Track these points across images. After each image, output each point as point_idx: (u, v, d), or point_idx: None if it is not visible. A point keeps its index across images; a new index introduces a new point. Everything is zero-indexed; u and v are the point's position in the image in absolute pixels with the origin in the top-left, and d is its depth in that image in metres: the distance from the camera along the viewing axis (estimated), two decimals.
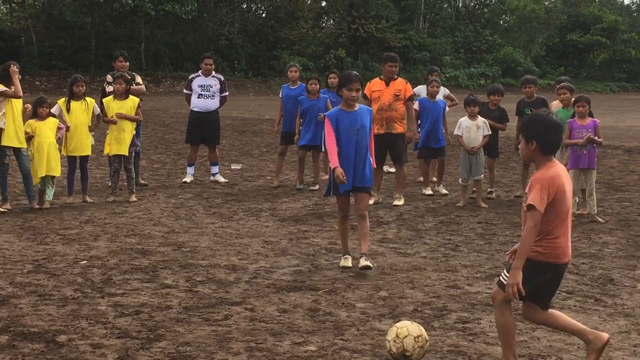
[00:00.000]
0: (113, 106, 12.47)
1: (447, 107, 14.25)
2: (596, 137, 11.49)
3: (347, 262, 8.79)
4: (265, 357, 5.99)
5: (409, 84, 12.98)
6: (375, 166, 12.70)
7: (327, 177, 15.18)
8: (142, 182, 14.17)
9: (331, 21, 61.67)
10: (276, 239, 10.03)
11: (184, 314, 6.98)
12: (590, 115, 11.74)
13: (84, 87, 12.46)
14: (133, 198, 12.45)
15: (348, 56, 54.92)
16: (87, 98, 12.43)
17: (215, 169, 14.85)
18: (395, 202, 12.70)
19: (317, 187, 14.04)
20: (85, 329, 6.56)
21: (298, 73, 14.88)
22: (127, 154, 12.44)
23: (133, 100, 12.66)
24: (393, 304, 7.40)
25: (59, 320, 6.76)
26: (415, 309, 7.24)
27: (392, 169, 15.78)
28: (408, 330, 5.88)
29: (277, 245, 9.71)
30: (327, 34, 56.63)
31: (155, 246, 9.54)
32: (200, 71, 14.82)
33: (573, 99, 11.94)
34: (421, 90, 15.18)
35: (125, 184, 12.64)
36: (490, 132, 12.82)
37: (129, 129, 12.51)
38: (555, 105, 12.99)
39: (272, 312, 7.10)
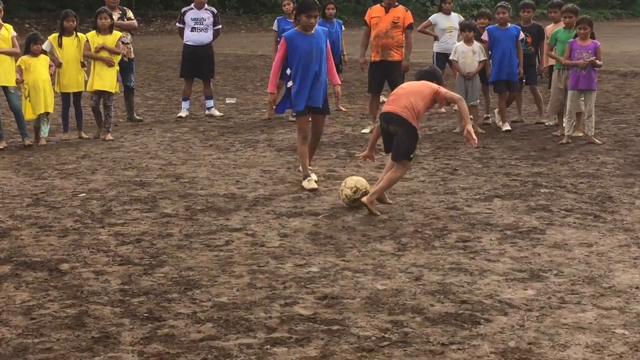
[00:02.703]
0: (96, 41, 12.29)
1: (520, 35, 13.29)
2: (597, 60, 11.42)
3: (312, 183, 8.97)
4: (268, 278, 6.01)
5: (409, 11, 12.85)
6: (370, 93, 12.91)
7: None
8: (137, 117, 14.10)
9: None
10: (274, 169, 10.01)
11: (186, 241, 7.00)
12: (592, 37, 11.64)
13: (75, 22, 12.30)
14: (109, 136, 12.13)
15: None
16: (78, 34, 12.29)
17: (210, 103, 14.77)
18: None
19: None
20: (88, 257, 6.57)
21: (292, 5, 14.72)
22: (108, 89, 12.24)
23: (115, 35, 12.45)
24: (393, 226, 7.41)
25: (60, 249, 6.77)
26: (415, 230, 7.27)
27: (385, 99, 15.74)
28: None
29: (275, 174, 9.70)
30: None
31: (153, 178, 9.52)
32: (192, 4, 14.65)
33: (577, 19, 11.83)
34: (437, 18, 15.02)
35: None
36: (486, 58, 12.74)
37: (109, 65, 12.26)
38: (551, 28, 12.89)
39: (272, 236, 7.12)
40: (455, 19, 15.01)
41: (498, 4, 13.28)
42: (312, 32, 9.01)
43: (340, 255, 6.56)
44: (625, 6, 63.21)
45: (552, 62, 12.41)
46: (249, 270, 6.20)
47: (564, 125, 11.79)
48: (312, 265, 6.32)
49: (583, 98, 11.54)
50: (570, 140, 11.47)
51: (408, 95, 8.09)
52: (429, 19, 15.32)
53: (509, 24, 12.84)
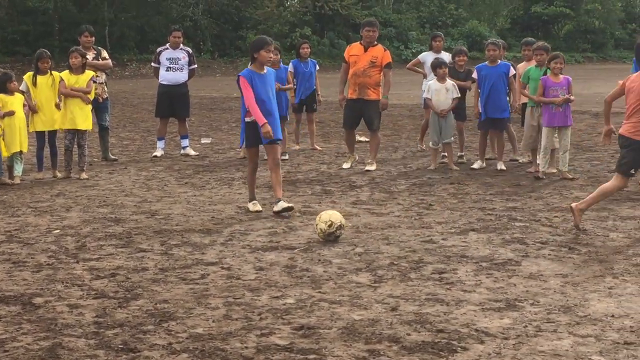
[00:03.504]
0: (70, 80, 12.28)
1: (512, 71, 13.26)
2: (570, 96, 11.54)
3: (257, 206, 9.73)
4: (244, 310, 5.99)
5: (387, 51, 12.93)
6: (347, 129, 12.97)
7: (297, 147, 15.26)
8: (112, 157, 14.07)
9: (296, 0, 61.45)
10: (291, 211, 9.95)
11: (161, 275, 6.96)
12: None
13: (50, 63, 12.30)
14: (84, 175, 12.06)
15: (314, 34, 54.75)
16: (53, 72, 12.27)
17: (185, 142, 14.77)
18: (367, 167, 12.71)
19: (286, 156, 14.00)
20: (62, 291, 6.52)
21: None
22: (82, 128, 12.21)
23: (88, 75, 12.44)
24: (369, 259, 7.42)
25: (34, 284, 6.71)
26: (391, 263, 7.27)
27: (362, 138, 15.84)
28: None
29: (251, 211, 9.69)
30: (292, 13, 56.36)
31: (128, 215, 9.48)
32: (168, 44, 14.71)
33: (550, 55, 11.94)
34: (427, 57, 15.08)
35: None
36: (460, 95, 12.84)
37: (83, 104, 12.25)
38: (523, 66, 13.03)
39: (248, 270, 7.10)
40: (445, 57, 15.09)
41: (488, 41, 13.34)
42: (265, 71, 9.64)
43: (316, 287, 6.55)
44: (596, 50, 64.02)
45: (525, 99, 12.52)
46: (224, 302, 6.17)
47: (537, 162, 11.87)
48: (288, 297, 6.30)
49: (557, 135, 11.63)
50: (544, 177, 11.54)
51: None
52: (419, 57, 15.39)
53: (499, 61, 12.90)
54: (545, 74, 11.78)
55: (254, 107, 9.45)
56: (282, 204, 9.45)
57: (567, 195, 10.40)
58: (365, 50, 12.65)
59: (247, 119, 9.63)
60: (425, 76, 14.89)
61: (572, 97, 11.57)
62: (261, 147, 9.79)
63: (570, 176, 11.49)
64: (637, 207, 9.57)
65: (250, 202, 9.82)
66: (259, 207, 9.69)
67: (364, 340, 5.34)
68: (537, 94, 11.69)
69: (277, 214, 9.36)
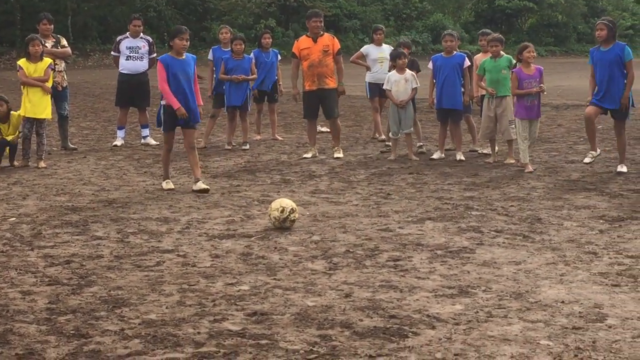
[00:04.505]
0: (29, 68, 12.18)
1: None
2: (542, 86, 11.61)
3: (169, 184, 10.32)
4: (198, 297, 5.99)
5: (335, 38, 13.04)
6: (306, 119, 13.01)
7: (259, 137, 15.26)
8: (72, 146, 13.98)
9: None
10: (208, 194, 9.99)
11: (116, 262, 6.95)
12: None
13: (41, 46, 12.27)
14: (42, 164, 11.97)
15: (279, 26, 54.66)
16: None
17: (145, 132, 14.71)
18: (336, 155, 12.83)
19: (247, 146, 14.00)
20: (15, 278, 6.49)
21: (230, 35, 14.77)
22: (41, 117, 12.14)
23: (45, 62, 12.33)
24: (325, 247, 7.44)
25: None
26: (347, 250, 7.30)
27: (324, 129, 15.86)
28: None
29: (210, 199, 9.68)
30: (257, 4, 56.19)
31: (85, 203, 9.44)
32: (128, 33, 14.63)
33: (519, 46, 11.98)
34: (369, 49, 15.17)
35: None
36: (419, 85, 12.90)
37: (42, 92, 12.18)
38: (480, 57, 13.11)
39: (204, 257, 7.10)
40: (387, 50, 15.18)
41: (445, 32, 13.38)
42: (184, 56, 10.22)
43: (271, 274, 6.57)
44: (558, 43, 64.48)
45: (482, 90, 12.59)
46: (179, 289, 6.17)
47: (518, 154, 11.79)
48: (243, 284, 6.31)
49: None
50: (532, 169, 11.53)
51: None
52: (361, 50, 15.46)
53: (455, 52, 12.94)
54: (515, 66, 11.82)
55: (167, 91, 10.09)
56: (200, 185, 10.09)
57: (524, 185, 10.49)
58: (315, 41, 12.73)
59: (163, 103, 10.25)
60: (368, 68, 14.98)
61: (544, 88, 11.64)
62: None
63: (531, 168, 11.53)
64: (592, 197, 9.67)
65: (164, 180, 10.42)
66: (171, 185, 10.30)
67: (316, 326, 5.36)
68: (512, 87, 11.74)
69: (195, 192, 9.97)
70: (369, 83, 14.92)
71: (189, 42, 10.18)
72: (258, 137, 15.27)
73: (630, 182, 10.66)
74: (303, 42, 12.96)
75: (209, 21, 53.87)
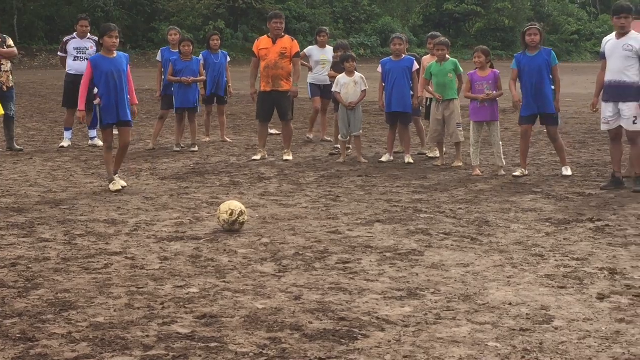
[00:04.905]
0: None
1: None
2: (494, 92, 11.68)
3: (117, 185, 10.21)
4: (147, 299, 5.95)
5: (295, 40, 13.06)
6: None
7: (207, 139, 15.20)
8: (17, 147, 13.82)
9: None
10: (157, 196, 9.94)
11: (63, 265, 6.87)
12: (492, 66, 11.91)
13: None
14: None
15: (227, 27, 54.56)
16: None
17: (93, 133, 14.57)
18: (285, 157, 12.84)
19: (196, 148, 13.95)
20: None
21: (179, 36, 14.71)
22: None
23: None
24: (275, 249, 7.44)
25: None
26: (296, 253, 7.30)
27: (273, 131, 15.88)
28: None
29: (158, 201, 9.63)
30: (205, 5, 56.04)
31: (32, 205, 9.34)
32: (75, 33, 14.50)
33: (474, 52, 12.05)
34: (312, 51, 15.28)
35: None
36: (368, 87, 12.95)
37: None
38: (428, 59, 13.19)
39: (153, 260, 7.05)
40: (330, 52, 15.34)
41: (394, 36, 13.46)
42: (115, 55, 10.25)
43: (220, 277, 6.54)
44: (505, 47, 65.15)
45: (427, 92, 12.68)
46: (127, 292, 6.12)
47: (472, 156, 11.87)
48: (192, 287, 6.28)
49: (487, 129, 11.80)
50: (480, 173, 11.63)
51: None
52: (304, 51, 15.51)
53: (404, 55, 13.01)
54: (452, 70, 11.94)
55: (81, 93, 10.32)
56: (120, 181, 10.36)
57: (472, 188, 10.59)
58: (274, 42, 12.75)
59: (96, 102, 10.31)
60: (310, 69, 15.08)
61: (493, 93, 11.68)
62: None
63: (503, 172, 11.60)
64: (538, 200, 9.78)
65: (110, 182, 10.31)
66: (119, 186, 10.19)
67: (265, 329, 5.35)
68: (465, 89, 11.85)
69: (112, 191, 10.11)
70: (311, 84, 15.05)
71: (118, 40, 10.23)
72: (207, 139, 15.22)
73: (575, 185, 10.81)
74: (262, 42, 12.98)
75: (158, 22, 53.63)
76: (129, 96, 10.38)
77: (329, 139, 15.04)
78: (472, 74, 11.82)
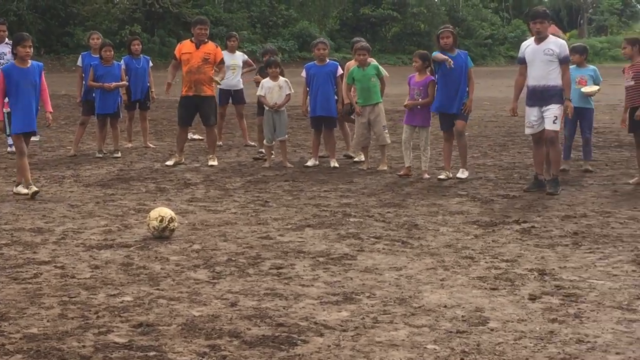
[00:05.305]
0: None
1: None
2: (419, 99, 11.76)
3: (32, 189, 10.05)
4: (80, 309, 5.85)
5: (219, 47, 13.00)
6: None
7: (130, 145, 15.03)
8: None
9: None
10: (82, 203, 9.79)
11: None
12: (432, 71, 11.97)
13: None
14: None
15: (144, 32, 54.03)
16: None
17: (11, 140, 14.27)
18: (210, 162, 12.78)
19: (119, 154, 13.78)
20: None
21: (100, 41, 14.51)
22: None
23: None
24: (207, 256, 7.39)
25: None
26: (229, 259, 7.26)
27: (196, 136, 15.79)
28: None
29: (84, 208, 9.48)
30: (121, 10, 55.45)
31: None
32: None
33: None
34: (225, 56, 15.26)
35: None
36: (293, 92, 12.96)
37: None
38: (352, 64, 13.25)
39: (83, 268, 6.94)
40: (239, 57, 15.40)
41: (318, 40, 13.47)
42: (29, 65, 10.17)
43: (154, 285, 6.47)
44: None
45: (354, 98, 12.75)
46: (59, 302, 6.01)
47: (405, 157, 11.98)
48: (126, 295, 6.20)
49: (417, 133, 11.92)
50: (410, 172, 11.77)
51: None
52: None
53: (328, 60, 13.04)
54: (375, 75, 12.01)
55: None
56: (21, 189, 10.20)
57: (399, 191, 10.68)
58: (197, 47, 12.68)
59: (6, 110, 10.54)
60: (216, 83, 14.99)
61: (419, 101, 11.76)
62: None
63: (427, 175, 11.72)
64: (464, 203, 9.91)
65: (27, 186, 10.13)
66: (32, 190, 10.03)
67: (204, 336, 5.31)
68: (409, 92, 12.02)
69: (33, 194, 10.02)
70: (220, 89, 14.94)
71: (32, 49, 10.18)
72: (129, 145, 15.05)
73: (499, 187, 10.98)
74: (185, 47, 12.90)
75: (72, 26, 52.85)
76: (44, 105, 10.41)
77: (253, 143, 15.04)
78: (409, 78, 11.99)
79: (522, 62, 10.70)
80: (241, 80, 15.51)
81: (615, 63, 61.08)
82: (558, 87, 10.37)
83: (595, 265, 7.10)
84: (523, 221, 8.87)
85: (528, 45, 10.67)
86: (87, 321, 5.58)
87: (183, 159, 13.05)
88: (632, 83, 11.06)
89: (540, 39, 10.49)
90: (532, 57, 10.52)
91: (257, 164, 13.06)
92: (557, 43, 10.46)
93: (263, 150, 13.47)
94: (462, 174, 11.50)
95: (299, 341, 5.24)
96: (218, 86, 12.74)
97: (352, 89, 12.62)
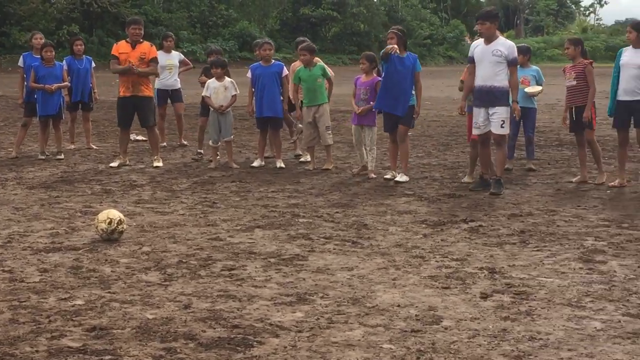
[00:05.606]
0: None
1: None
2: (366, 100, 11.81)
3: None
4: (31, 313, 5.77)
5: (154, 46, 12.92)
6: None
7: (72, 146, 14.86)
8: None
9: None
10: (27, 206, 9.65)
11: None
12: (378, 72, 12.00)
13: None
14: None
15: (82, 32, 53.39)
16: None
17: None
18: (155, 164, 12.70)
19: (62, 156, 13.62)
20: None
21: (43, 41, 14.31)
22: None
23: None
24: (157, 258, 7.33)
25: None
26: (180, 261, 7.22)
27: (139, 137, 15.67)
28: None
29: (29, 211, 9.35)
30: (58, 9, 54.74)
31: None
32: None
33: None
34: (158, 56, 15.11)
35: None
36: (238, 92, 12.93)
37: None
38: (297, 65, 13.28)
39: (32, 272, 6.84)
40: (176, 57, 15.37)
41: (263, 41, 13.49)
42: None
43: (105, 288, 6.41)
44: (361, 51, 65.99)
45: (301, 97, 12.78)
46: (9, 306, 5.92)
47: (358, 157, 12.06)
48: (77, 298, 6.13)
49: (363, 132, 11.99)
50: (367, 170, 11.89)
51: None
52: None
53: (273, 61, 13.03)
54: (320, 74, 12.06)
55: None
56: None
57: (346, 191, 10.71)
58: (133, 47, 12.59)
59: None
60: (157, 75, 14.87)
61: (365, 107, 11.82)
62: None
63: (373, 175, 11.77)
64: (411, 202, 9.98)
65: None
66: None
67: (159, 339, 5.27)
68: (352, 94, 12.05)
69: None
70: (158, 89, 14.86)
71: None
72: (72, 147, 14.88)
73: (445, 187, 11.08)
74: (121, 47, 12.77)
75: (9, 26, 52.04)
76: None
77: (185, 142, 15.14)
78: (356, 78, 12.05)
79: (472, 61, 10.79)
80: (179, 79, 15.44)
81: (551, 63, 62.11)
82: (505, 88, 10.48)
83: (543, 263, 7.20)
84: (471, 220, 8.96)
85: (477, 45, 10.76)
86: (39, 326, 5.51)
87: (127, 160, 12.95)
88: (575, 83, 11.22)
89: (489, 39, 10.58)
90: (480, 57, 10.61)
91: (202, 164, 13.01)
92: (505, 45, 10.57)
93: (202, 151, 13.47)
94: (401, 177, 11.48)
95: (255, 342, 5.23)
96: (136, 70, 12.43)
97: (299, 89, 12.65)
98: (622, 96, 10.86)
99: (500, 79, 10.46)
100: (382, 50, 11.44)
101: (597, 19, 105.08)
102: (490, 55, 10.47)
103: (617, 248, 7.74)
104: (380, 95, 11.45)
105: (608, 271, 6.95)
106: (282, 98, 12.83)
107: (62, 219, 8.94)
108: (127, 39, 12.78)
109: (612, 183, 11.05)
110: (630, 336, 5.36)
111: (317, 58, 12.88)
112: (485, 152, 10.88)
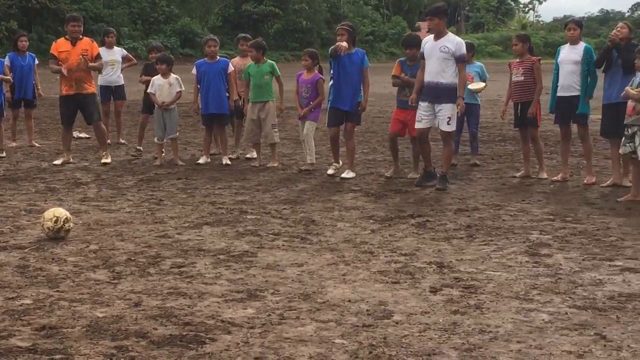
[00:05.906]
0: None
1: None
2: (307, 97, 11.89)
3: None
4: None
5: (95, 42, 12.80)
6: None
7: (14, 144, 14.67)
8: None
9: None
10: None
11: None
12: (320, 70, 12.01)
13: None
14: None
15: (21, 28, 52.62)
16: None
17: None
18: (104, 160, 12.66)
19: (4, 154, 13.44)
20: None
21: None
22: None
23: None
24: (105, 256, 7.27)
25: None
26: (129, 259, 7.17)
27: (82, 135, 15.53)
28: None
29: None
30: None
31: None
32: None
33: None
34: (102, 52, 15.02)
35: None
36: (183, 89, 12.87)
37: None
38: (237, 61, 13.29)
39: None
40: (118, 52, 15.27)
41: (209, 37, 13.44)
42: None
43: (53, 286, 6.34)
44: (303, 48, 66.04)
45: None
46: None
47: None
48: (25, 298, 6.05)
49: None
50: (311, 168, 12.00)
51: None
52: None
53: (219, 57, 12.98)
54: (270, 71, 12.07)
55: None
56: None
57: (293, 188, 10.73)
58: (74, 44, 12.43)
59: None
60: (100, 71, 14.73)
61: (313, 104, 11.86)
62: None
63: (312, 168, 11.85)
64: (358, 198, 10.03)
65: None
66: None
67: (110, 337, 5.24)
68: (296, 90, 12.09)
69: None
70: (101, 86, 14.73)
71: None
72: (14, 144, 14.69)
73: (391, 182, 11.15)
74: (61, 45, 12.60)
75: None
76: None
77: (123, 141, 15.06)
78: (298, 75, 12.08)
79: (422, 57, 10.85)
80: (121, 76, 15.33)
81: (491, 59, 62.62)
82: (452, 85, 10.56)
83: (490, 257, 7.29)
84: (418, 215, 9.03)
85: (427, 41, 10.82)
86: None
87: (71, 158, 12.82)
88: (522, 78, 11.35)
89: (438, 35, 10.66)
90: (429, 53, 10.67)
91: (148, 162, 12.91)
92: (453, 41, 10.65)
93: (141, 149, 13.43)
94: (348, 174, 11.52)
95: (207, 339, 5.22)
96: (89, 64, 12.32)
97: (248, 84, 12.62)
98: (560, 92, 11.04)
99: (447, 76, 10.54)
100: (332, 48, 11.46)
101: (537, 16, 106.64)
102: (438, 52, 10.55)
103: (561, 241, 7.87)
104: (331, 91, 11.49)
105: (554, 264, 7.06)
106: (227, 94, 12.79)
107: (7, 218, 8.82)
108: (67, 36, 12.63)
109: (555, 177, 11.22)
110: (577, 327, 5.45)
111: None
112: (424, 147, 10.94)
